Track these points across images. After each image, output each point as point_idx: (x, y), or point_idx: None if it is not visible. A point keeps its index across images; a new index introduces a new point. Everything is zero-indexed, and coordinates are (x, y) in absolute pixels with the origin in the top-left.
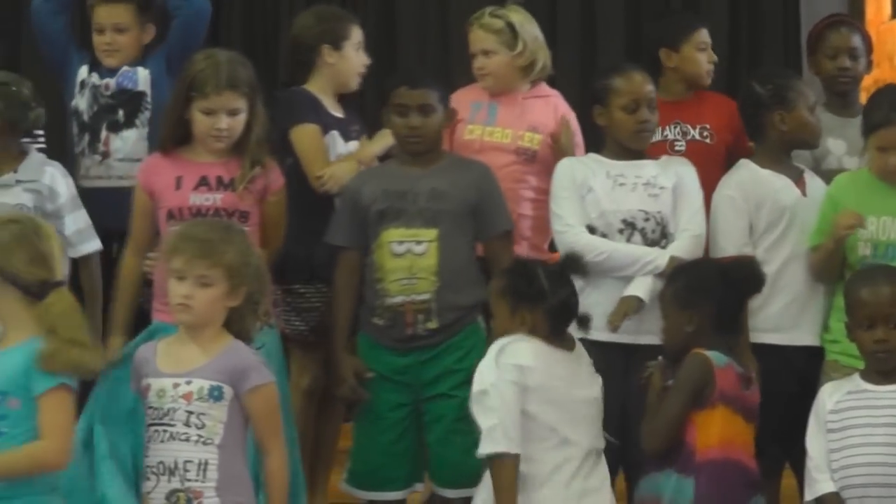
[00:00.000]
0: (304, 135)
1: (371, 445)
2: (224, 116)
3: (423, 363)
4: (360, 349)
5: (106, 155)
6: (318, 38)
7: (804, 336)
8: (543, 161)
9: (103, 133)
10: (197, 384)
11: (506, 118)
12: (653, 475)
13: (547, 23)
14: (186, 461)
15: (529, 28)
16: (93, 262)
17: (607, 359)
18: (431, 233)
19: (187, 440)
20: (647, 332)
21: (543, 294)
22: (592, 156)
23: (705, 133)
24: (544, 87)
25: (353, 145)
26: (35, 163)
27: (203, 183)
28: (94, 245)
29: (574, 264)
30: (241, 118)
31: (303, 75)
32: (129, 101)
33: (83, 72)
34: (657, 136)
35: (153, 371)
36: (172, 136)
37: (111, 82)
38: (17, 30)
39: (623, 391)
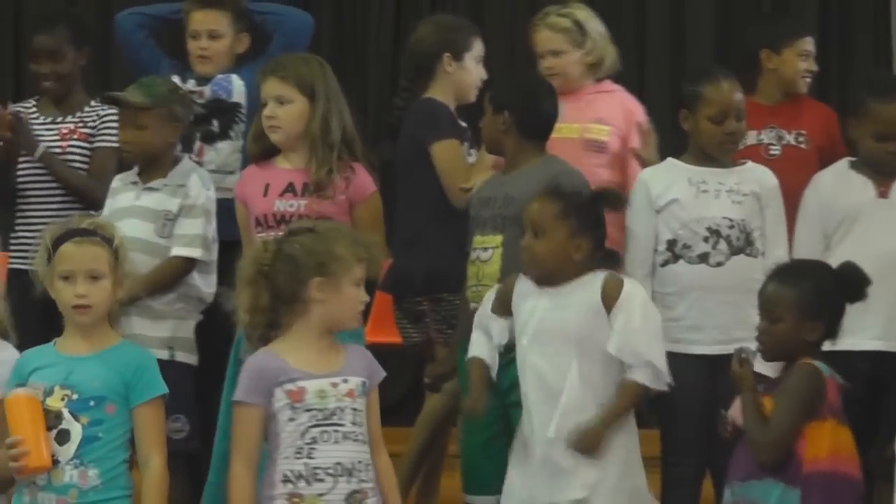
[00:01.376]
0: (447, 150)
1: (466, 446)
2: None
3: (502, 368)
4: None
5: (198, 165)
6: (439, 47)
7: (868, 341)
8: (613, 153)
9: (197, 143)
10: (354, 381)
11: (571, 113)
12: (750, 483)
13: (636, 24)
14: (359, 461)
15: (595, 25)
16: (175, 263)
17: (694, 365)
18: (496, 239)
19: (356, 440)
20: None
21: (601, 222)
22: (672, 161)
23: (801, 139)
24: (608, 83)
25: (473, 154)
26: (184, 169)
27: (289, 189)
28: (189, 251)
29: (613, 201)
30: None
31: (423, 83)
32: (224, 111)
33: (175, 81)
34: (752, 140)
35: (300, 374)
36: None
37: (206, 90)
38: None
39: (710, 396)
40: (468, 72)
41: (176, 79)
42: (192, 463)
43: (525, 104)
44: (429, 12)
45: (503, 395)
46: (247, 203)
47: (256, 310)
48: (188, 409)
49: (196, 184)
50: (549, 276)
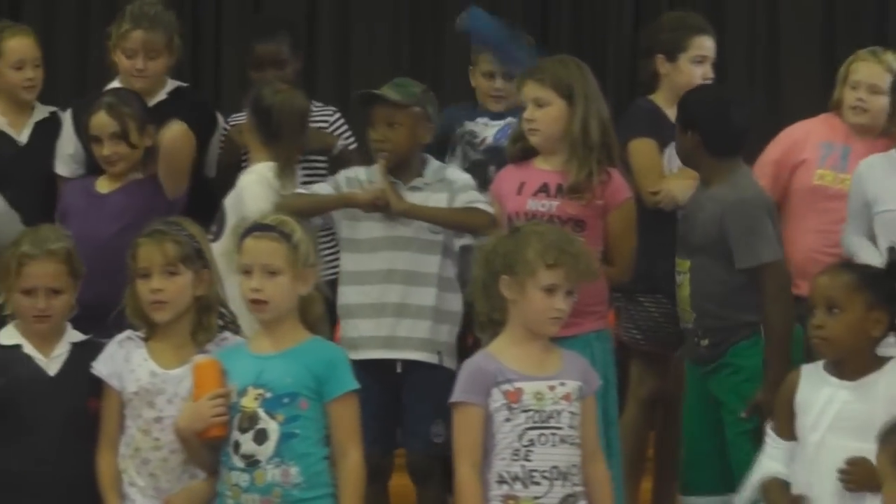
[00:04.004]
0: (639, 149)
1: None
2: None
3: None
4: None
5: None
6: (655, 47)
7: None
8: None
9: None
10: (571, 385)
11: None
12: None
13: None
14: (573, 465)
15: None
16: (480, 212)
17: None
18: (685, 264)
19: (572, 443)
20: None
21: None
22: None
23: None
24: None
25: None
26: (436, 166)
27: (543, 189)
28: (490, 208)
29: None
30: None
31: (653, 82)
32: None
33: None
34: None
35: (517, 375)
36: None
37: (489, 137)
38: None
39: None
40: (683, 73)
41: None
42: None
43: (711, 121)
44: (667, 8)
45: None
46: (501, 200)
47: (479, 296)
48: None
49: (455, 170)
50: (844, 360)
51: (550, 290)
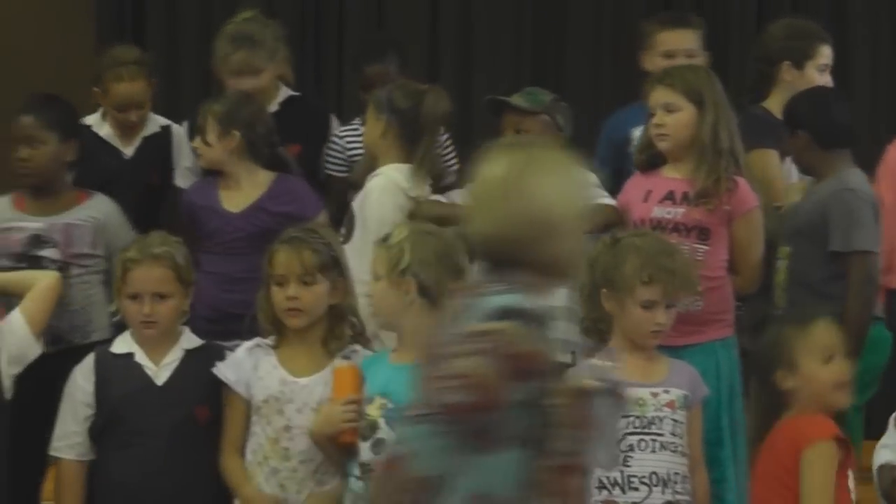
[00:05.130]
0: (762, 161)
1: None
2: None
3: None
4: None
5: None
6: (780, 53)
7: None
8: None
9: None
10: (675, 393)
11: None
12: None
13: None
14: (675, 472)
15: None
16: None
17: None
18: (785, 251)
19: (675, 451)
20: None
21: None
22: None
23: None
24: None
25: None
26: None
27: (669, 197)
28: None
29: None
30: None
31: (766, 89)
32: None
33: None
34: None
35: None
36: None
37: None
38: None
39: None
40: (807, 80)
41: None
42: None
43: (816, 117)
44: (790, 12)
45: None
46: (628, 208)
47: (584, 303)
48: None
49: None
50: None
51: (648, 306)
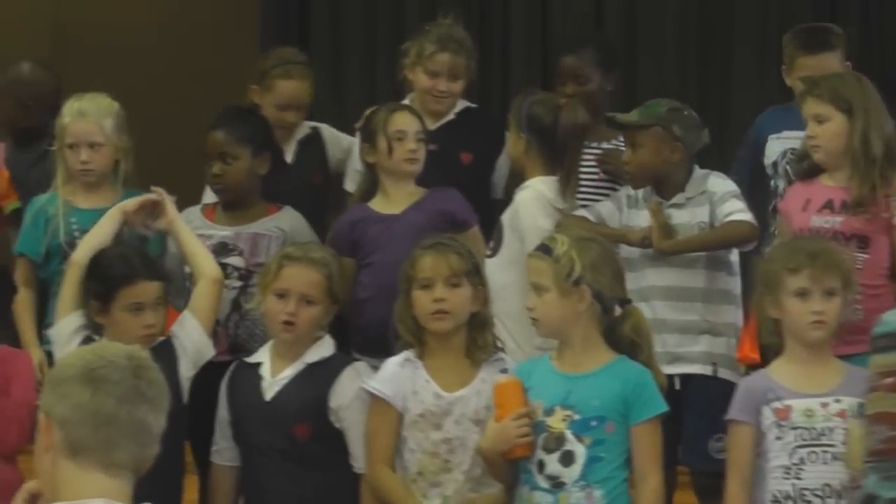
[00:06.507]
0: None
1: None
2: None
3: None
4: None
5: None
6: None
7: None
8: None
9: None
10: (847, 402)
11: None
12: None
13: None
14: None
15: None
16: (739, 226)
17: None
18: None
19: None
20: None
21: None
22: None
23: None
24: None
25: None
26: (699, 176)
27: (827, 206)
28: (746, 217)
29: None
30: None
31: None
32: None
33: None
34: None
35: (787, 392)
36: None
37: None
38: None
39: None
40: None
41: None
42: None
43: None
44: None
45: None
46: (788, 217)
47: (761, 316)
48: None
49: (716, 179)
50: None
51: (802, 295)
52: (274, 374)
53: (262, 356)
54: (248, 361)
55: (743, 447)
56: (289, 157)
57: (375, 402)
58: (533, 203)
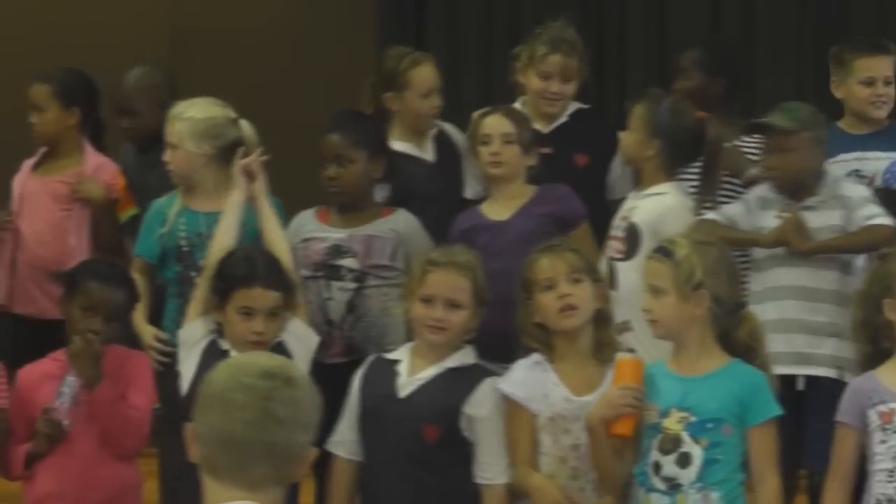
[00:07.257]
0: None
1: None
2: None
3: None
4: None
5: None
6: None
7: None
8: None
9: None
10: None
11: None
12: None
13: None
14: None
15: None
16: (881, 229)
17: None
18: None
19: None
20: None
21: None
22: None
23: None
24: None
25: None
26: (831, 180)
27: None
28: (888, 220)
29: None
30: None
31: None
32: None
33: None
34: None
35: (892, 396)
36: None
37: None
38: None
39: None
40: None
41: None
42: None
43: None
44: None
45: None
46: None
47: (857, 325)
48: None
49: (851, 184)
50: None
51: None
52: (412, 372)
53: (402, 354)
54: (386, 357)
55: (845, 449)
56: (429, 155)
57: (510, 407)
58: (681, 210)
